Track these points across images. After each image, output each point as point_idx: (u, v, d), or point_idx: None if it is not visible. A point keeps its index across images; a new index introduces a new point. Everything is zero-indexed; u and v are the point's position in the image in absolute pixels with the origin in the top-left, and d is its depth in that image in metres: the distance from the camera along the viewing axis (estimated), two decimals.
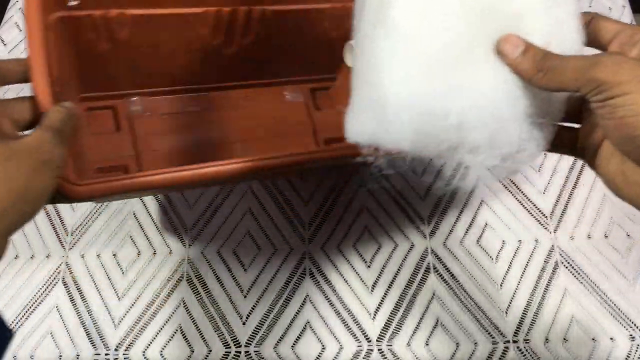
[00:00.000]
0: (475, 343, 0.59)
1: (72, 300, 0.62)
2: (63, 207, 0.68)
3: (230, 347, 0.60)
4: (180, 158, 0.62)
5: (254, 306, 0.62)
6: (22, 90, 0.72)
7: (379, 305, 0.61)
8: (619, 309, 0.60)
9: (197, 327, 0.60)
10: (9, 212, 0.32)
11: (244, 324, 0.61)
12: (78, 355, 0.60)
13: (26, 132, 0.38)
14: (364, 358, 0.59)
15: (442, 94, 0.33)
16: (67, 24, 0.48)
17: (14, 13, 0.83)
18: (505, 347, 0.58)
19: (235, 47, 0.59)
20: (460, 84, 0.34)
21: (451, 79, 0.34)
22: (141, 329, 0.60)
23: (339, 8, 0.59)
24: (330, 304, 0.61)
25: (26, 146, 0.34)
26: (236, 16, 0.56)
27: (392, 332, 0.60)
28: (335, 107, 0.68)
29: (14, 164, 0.33)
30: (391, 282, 0.62)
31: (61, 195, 0.40)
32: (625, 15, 0.79)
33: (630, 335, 0.59)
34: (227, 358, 0.59)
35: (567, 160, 0.68)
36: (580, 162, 0.68)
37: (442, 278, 0.62)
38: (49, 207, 0.68)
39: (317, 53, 0.64)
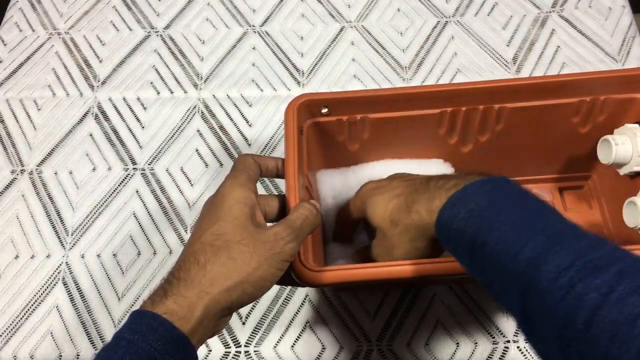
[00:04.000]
0: (476, 343, 0.59)
1: (72, 300, 0.62)
2: (63, 207, 0.68)
3: (230, 347, 0.60)
4: None
5: (253, 306, 0.61)
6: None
7: (379, 305, 0.61)
8: None
9: None
10: (234, 290, 0.38)
11: (243, 323, 0.61)
12: (78, 355, 0.60)
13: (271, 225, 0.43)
14: (363, 358, 0.58)
15: None
16: (319, 127, 0.57)
17: (14, 13, 0.83)
18: (505, 347, 0.58)
19: (470, 145, 0.60)
20: None
21: None
22: None
23: (589, 101, 0.56)
24: (329, 304, 0.61)
25: (266, 238, 0.40)
26: (473, 115, 0.56)
27: (392, 332, 0.60)
28: (590, 207, 0.66)
29: (250, 249, 0.39)
30: None
31: (298, 277, 0.44)
32: (625, 15, 0.79)
33: None
34: (227, 358, 0.59)
35: None
36: None
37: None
38: (49, 207, 0.68)
39: (564, 149, 0.62)
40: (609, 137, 0.55)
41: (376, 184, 0.51)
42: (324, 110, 0.55)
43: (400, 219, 0.45)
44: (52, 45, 0.80)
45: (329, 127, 0.57)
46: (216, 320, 0.39)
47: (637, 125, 0.53)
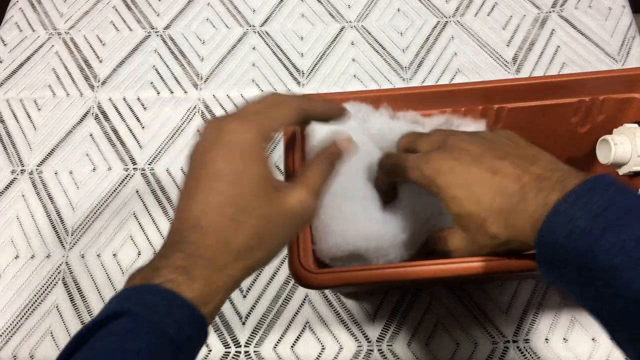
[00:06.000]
0: (475, 343, 0.59)
1: (72, 300, 0.62)
2: (63, 207, 0.68)
3: (230, 347, 0.60)
4: None
5: (253, 306, 0.61)
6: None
7: (379, 305, 0.61)
8: None
9: None
10: (255, 268, 0.36)
11: (243, 324, 0.61)
12: None
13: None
14: (363, 358, 0.58)
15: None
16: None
17: (14, 13, 0.84)
18: (505, 347, 0.58)
19: None
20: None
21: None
22: None
23: (588, 101, 0.56)
24: (329, 304, 0.61)
25: (291, 208, 0.36)
26: (471, 115, 0.56)
27: (392, 332, 0.60)
28: None
29: (276, 224, 0.36)
30: None
31: (297, 280, 0.44)
32: (625, 15, 0.79)
33: None
34: (226, 358, 0.59)
35: None
36: None
37: None
38: (49, 207, 0.68)
39: (563, 149, 0.62)
40: (608, 137, 0.55)
41: (448, 163, 0.42)
42: None
43: (499, 233, 0.40)
44: (52, 45, 0.80)
45: None
46: None
47: (636, 125, 0.53)
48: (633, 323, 0.31)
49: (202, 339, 0.34)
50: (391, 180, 0.49)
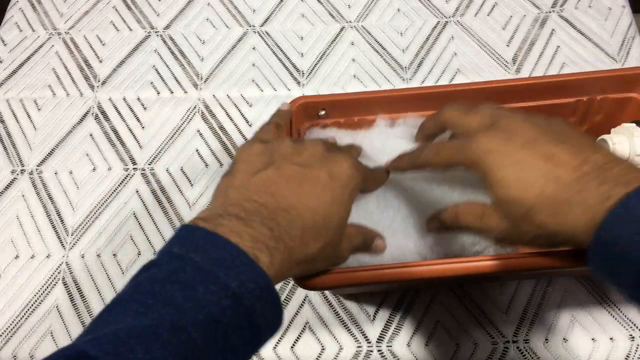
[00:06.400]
0: (475, 343, 0.59)
1: (72, 300, 0.62)
2: (63, 207, 0.68)
3: None
4: None
5: None
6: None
7: (378, 305, 0.61)
8: (618, 309, 0.60)
9: None
10: (314, 264, 0.40)
11: None
12: None
13: None
14: (363, 359, 0.59)
15: None
16: (316, 128, 0.57)
17: (14, 13, 0.84)
18: (505, 347, 0.58)
19: None
20: None
21: None
22: None
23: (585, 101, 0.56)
24: (329, 304, 0.61)
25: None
26: None
27: (392, 332, 0.60)
28: None
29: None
30: None
31: (296, 280, 0.45)
32: (625, 15, 0.79)
33: (630, 335, 0.58)
34: None
35: None
36: None
37: None
38: (49, 207, 0.68)
39: None
40: (606, 136, 0.55)
41: (499, 143, 0.39)
42: (322, 113, 0.55)
43: (546, 225, 0.37)
44: (52, 45, 0.80)
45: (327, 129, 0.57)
46: None
47: (634, 124, 0.53)
48: None
49: (277, 321, 0.35)
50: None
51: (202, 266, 0.31)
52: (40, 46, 0.80)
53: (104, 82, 0.77)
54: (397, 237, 0.49)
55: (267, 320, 0.33)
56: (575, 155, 0.37)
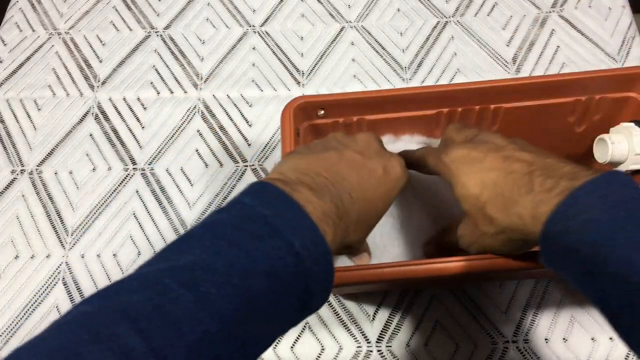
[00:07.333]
0: (475, 343, 0.59)
1: (72, 300, 0.62)
2: (63, 207, 0.68)
3: None
4: None
5: None
6: None
7: (378, 306, 0.61)
8: None
9: None
10: (351, 250, 0.42)
11: None
12: None
13: None
14: (363, 359, 0.59)
15: None
16: (316, 129, 0.57)
17: (14, 13, 0.84)
18: (504, 348, 0.58)
19: None
20: None
21: None
22: None
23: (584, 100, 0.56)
24: (329, 304, 0.61)
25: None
26: (469, 115, 0.56)
27: (392, 332, 0.60)
28: None
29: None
30: None
31: None
32: (625, 15, 0.79)
33: None
34: None
35: None
36: None
37: None
38: (49, 207, 0.68)
39: (560, 149, 0.61)
40: (605, 136, 0.55)
41: (467, 151, 0.43)
42: (321, 113, 0.55)
43: (497, 218, 0.39)
44: (52, 45, 0.80)
45: (326, 129, 0.57)
46: None
47: (632, 124, 0.53)
48: None
49: (325, 295, 0.36)
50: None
51: (271, 222, 0.32)
52: (40, 46, 0.80)
53: (104, 82, 0.77)
54: (394, 244, 0.50)
55: (320, 288, 0.34)
56: (532, 157, 0.39)
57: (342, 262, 0.52)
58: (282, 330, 0.34)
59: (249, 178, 0.69)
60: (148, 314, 0.26)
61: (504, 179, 0.39)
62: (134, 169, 0.70)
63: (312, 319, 0.61)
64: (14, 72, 0.78)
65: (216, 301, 0.28)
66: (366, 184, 0.40)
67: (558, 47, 0.77)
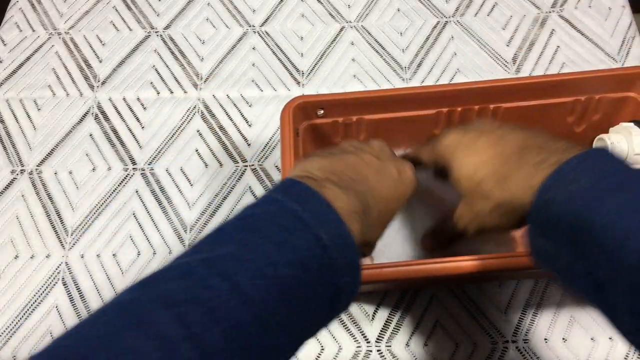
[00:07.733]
0: (475, 343, 0.59)
1: (72, 300, 0.62)
2: (63, 207, 0.68)
3: None
4: None
5: None
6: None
7: (377, 305, 0.61)
8: None
9: None
10: (370, 249, 0.43)
11: None
12: None
13: None
14: (362, 359, 0.59)
15: None
16: (315, 129, 0.57)
17: (14, 13, 0.84)
18: (504, 347, 0.58)
19: None
20: None
21: None
22: None
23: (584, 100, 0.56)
24: None
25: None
26: (468, 115, 0.57)
27: (391, 332, 0.60)
28: None
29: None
30: None
31: None
32: (625, 15, 0.79)
33: None
34: None
35: None
36: None
37: None
38: (49, 207, 0.68)
39: None
40: (604, 136, 0.55)
41: (460, 136, 0.46)
42: (320, 112, 0.55)
43: (491, 193, 0.42)
44: (52, 45, 0.80)
45: (325, 128, 0.57)
46: None
47: (632, 124, 0.53)
48: (632, 290, 0.29)
49: (354, 289, 0.36)
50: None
51: (301, 216, 0.33)
52: (40, 46, 0.81)
53: (103, 82, 0.77)
54: (392, 246, 0.51)
55: (348, 282, 0.35)
56: (524, 135, 0.42)
57: None
58: (312, 329, 0.34)
59: (249, 178, 0.69)
60: (185, 301, 0.28)
61: (497, 157, 0.42)
62: (133, 169, 0.70)
63: None
64: (14, 72, 0.78)
65: (250, 290, 0.29)
66: (384, 184, 0.42)
67: (558, 47, 0.77)
